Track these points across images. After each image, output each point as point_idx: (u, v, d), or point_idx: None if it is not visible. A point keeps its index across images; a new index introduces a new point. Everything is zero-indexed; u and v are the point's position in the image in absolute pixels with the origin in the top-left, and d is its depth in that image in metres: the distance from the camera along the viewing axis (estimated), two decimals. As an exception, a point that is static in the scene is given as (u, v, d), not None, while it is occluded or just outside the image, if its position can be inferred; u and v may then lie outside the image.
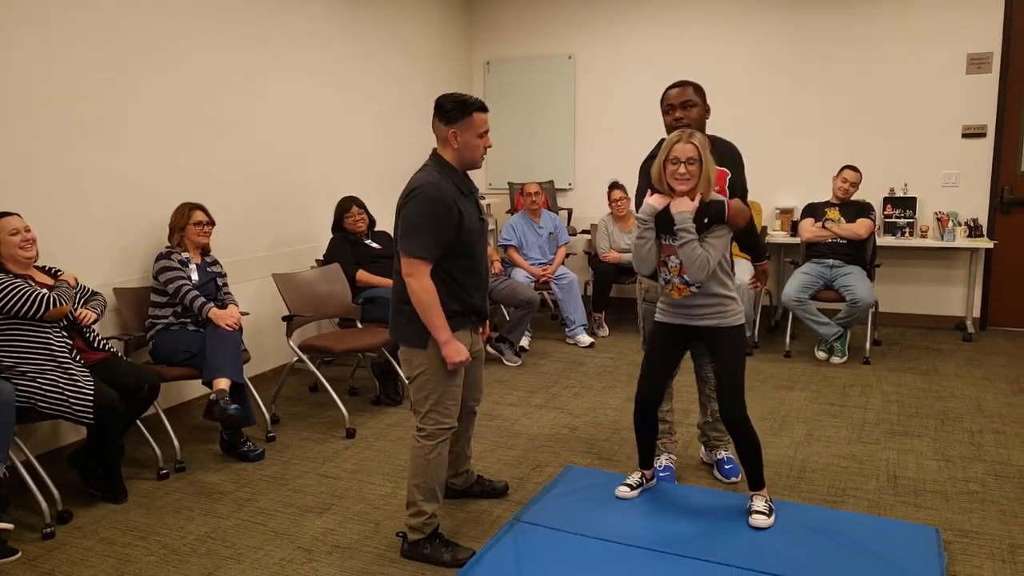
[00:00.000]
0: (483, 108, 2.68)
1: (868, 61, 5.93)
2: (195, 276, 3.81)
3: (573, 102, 6.96)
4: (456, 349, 2.62)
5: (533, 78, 7.08)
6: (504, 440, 3.87)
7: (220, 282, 3.94)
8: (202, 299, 3.73)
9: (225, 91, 4.50)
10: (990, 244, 5.59)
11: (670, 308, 2.90)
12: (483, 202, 7.01)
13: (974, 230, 5.67)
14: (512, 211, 6.62)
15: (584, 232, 6.70)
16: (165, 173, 4.15)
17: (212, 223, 3.94)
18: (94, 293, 3.51)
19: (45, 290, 3.14)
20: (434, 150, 2.71)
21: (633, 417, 3.02)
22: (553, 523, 2.90)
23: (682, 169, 2.68)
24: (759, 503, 2.86)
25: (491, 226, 6.76)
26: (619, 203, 5.95)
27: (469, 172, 2.78)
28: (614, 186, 6.01)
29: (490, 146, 2.72)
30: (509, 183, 6.99)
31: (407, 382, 2.80)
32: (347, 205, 4.79)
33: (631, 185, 6.03)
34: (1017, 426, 3.89)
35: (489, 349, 5.31)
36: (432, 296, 2.57)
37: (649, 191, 2.80)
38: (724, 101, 6.38)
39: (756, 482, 2.88)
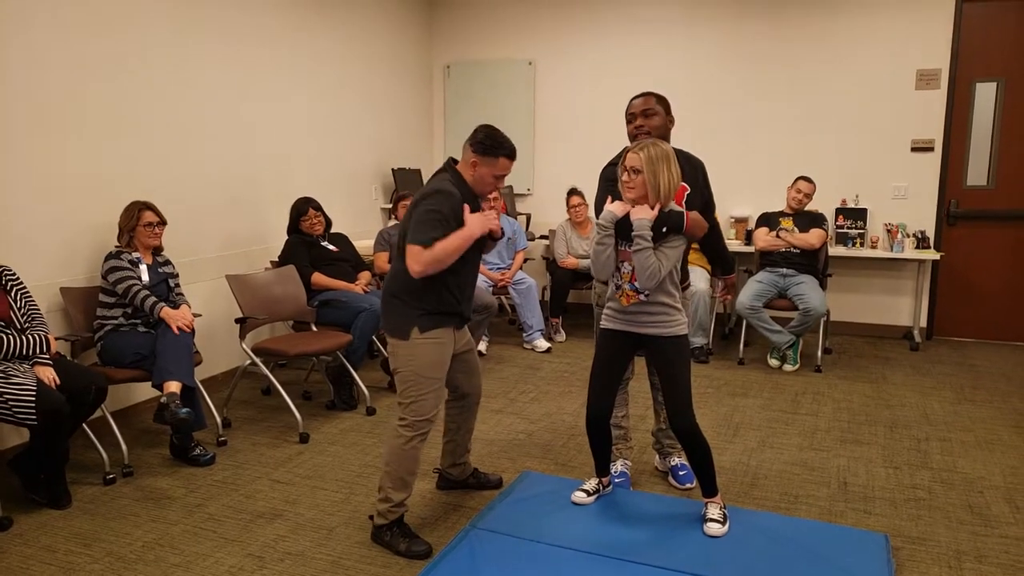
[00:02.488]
0: (512, 155, 2.83)
1: (822, 75, 6.06)
2: (145, 277, 3.71)
3: (532, 108, 6.98)
4: (475, 221, 2.73)
5: (493, 83, 7.08)
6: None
7: (172, 283, 3.85)
8: (153, 299, 3.63)
9: (177, 90, 4.40)
10: (937, 255, 5.75)
11: (617, 315, 2.91)
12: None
13: (922, 242, 5.83)
14: (471, 215, 6.60)
15: (542, 238, 6.72)
16: (115, 171, 4.04)
17: (163, 223, 3.83)
18: (32, 316, 3.30)
19: None
20: (454, 162, 2.86)
21: (586, 425, 3.02)
22: (509, 529, 2.88)
23: (625, 176, 2.73)
24: (713, 511, 2.88)
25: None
26: (577, 209, 5.97)
27: None
28: (572, 192, 6.04)
29: (501, 188, 2.92)
30: (469, 187, 6.97)
31: (393, 373, 2.86)
32: (303, 207, 4.72)
33: (589, 192, 6.06)
34: (962, 434, 4.00)
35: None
36: (439, 249, 2.65)
37: (609, 198, 2.82)
38: (681, 111, 6.45)
39: (709, 490, 2.90)
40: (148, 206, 3.78)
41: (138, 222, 3.73)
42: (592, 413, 2.96)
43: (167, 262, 3.89)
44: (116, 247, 3.73)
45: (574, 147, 6.84)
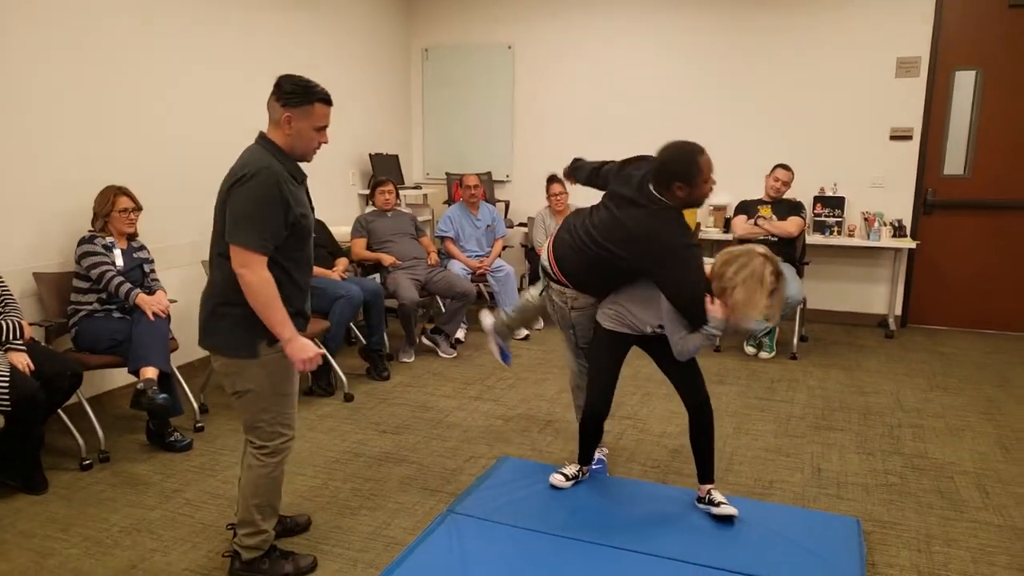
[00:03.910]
0: (327, 100, 2.44)
1: (802, 62, 6.08)
2: (120, 262, 3.67)
3: (511, 93, 6.95)
4: (302, 345, 2.34)
5: (472, 67, 7.05)
6: (438, 432, 3.85)
7: (147, 268, 3.81)
8: (128, 285, 3.60)
9: (146, 74, 4.32)
10: (913, 244, 5.81)
11: (621, 319, 2.94)
12: (418, 192, 7.01)
13: (898, 230, 5.89)
14: (449, 202, 6.59)
15: (521, 225, 6.72)
16: (88, 155, 3.98)
17: (138, 208, 3.79)
18: (5, 301, 3.28)
19: None
20: (261, 132, 2.44)
21: (584, 421, 3.06)
22: (487, 514, 2.90)
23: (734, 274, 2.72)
24: (718, 494, 2.95)
25: (427, 216, 6.73)
26: (558, 197, 5.93)
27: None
28: (552, 180, 6.01)
29: (326, 142, 2.46)
30: (447, 173, 6.96)
31: (233, 397, 2.48)
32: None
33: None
34: (933, 420, 4.06)
35: (425, 340, 5.29)
36: (272, 289, 2.29)
37: (709, 298, 2.71)
38: (659, 98, 6.50)
39: (711, 475, 2.98)
40: (123, 191, 3.74)
41: (113, 207, 3.68)
42: (597, 412, 2.99)
43: (142, 247, 3.85)
44: (90, 231, 3.69)
45: (553, 133, 6.83)
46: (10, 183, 3.62)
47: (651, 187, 2.77)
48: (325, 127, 2.45)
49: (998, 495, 3.21)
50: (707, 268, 2.78)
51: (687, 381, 2.93)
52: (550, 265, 3.05)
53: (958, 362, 5.18)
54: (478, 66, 7.03)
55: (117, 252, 3.69)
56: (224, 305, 2.37)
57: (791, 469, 3.43)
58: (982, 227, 5.93)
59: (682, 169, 2.71)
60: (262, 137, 2.43)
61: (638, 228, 2.76)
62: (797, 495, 3.18)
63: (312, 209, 2.53)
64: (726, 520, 2.86)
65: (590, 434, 3.11)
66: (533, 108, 6.92)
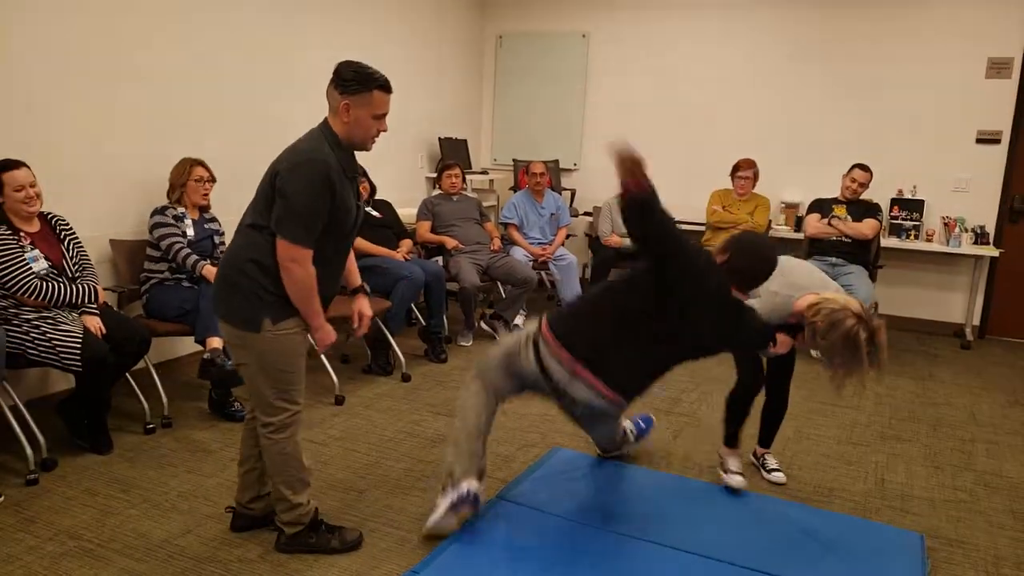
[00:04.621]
0: (387, 87, 2.38)
1: (887, 60, 5.85)
2: (190, 232, 3.76)
3: (584, 82, 6.89)
4: (328, 331, 2.45)
5: (545, 55, 7.00)
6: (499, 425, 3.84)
7: (217, 240, 3.89)
8: (195, 256, 3.68)
9: (228, 51, 4.43)
10: (996, 252, 5.55)
11: None
12: (484, 177, 7.00)
13: (980, 237, 5.63)
14: (515, 188, 6.57)
15: (586, 214, 6.65)
16: (167, 129, 4.09)
17: (213, 180, 3.88)
18: (83, 266, 3.37)
19: (40, 265, 3.14)
20: (325, 119, 2.41)
21: (733, 400, 3.12)
22: (536, 503, 2.89)
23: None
24: (773, 460, 3.26)
25: (492, 202, 6.72)
26: None
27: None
28: None
29: (385, 131, 2.43)
30: (514, 160, 6.94)
31: (239, 371, 2.51)
32: (350, 172, 4.73)
33: (653, 173, 5.94)
34: (1010, 437, 3.87)
35: (483, 325, 5.29)
36: (314, 283, 2.34)
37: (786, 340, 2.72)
38: (737, 94, 6.34)
39: (771, 440, 3.25)
40: (199, 162, 3.84)
41: (189, 177, 3.78)
42: (749, 389, 3.08)
43: (213, 219, 3.94)
44: (166, 204, 3.79)
45: (624, 124, 6.72)
46: (92, 153, 3.75)
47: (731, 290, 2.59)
48: (384, 115, 2.41)
49: (1076, 519, 3.04)
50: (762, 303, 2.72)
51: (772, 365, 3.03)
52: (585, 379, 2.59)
53: (1039, 378, 4.94)
54: (552, 54, 6.98)
55: (188, 222, 3.78)
56: (237, 275, 2.36)
57: (853, 478, 3.32)
58: (1073, 238, 5.63)
59: (761, 275, 2.64)
60: (324, 124, 2.40)
61: (721, 329, 2.61)
62: (858, 505, 3.07)
63: (358, 208, 2.50)
64: (773, 483, 3.15)
65: (737, 413, 3.11)
66: (605, 98, 6.83)
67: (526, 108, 7.15)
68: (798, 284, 2.75)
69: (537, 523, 2.75)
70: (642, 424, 3.44)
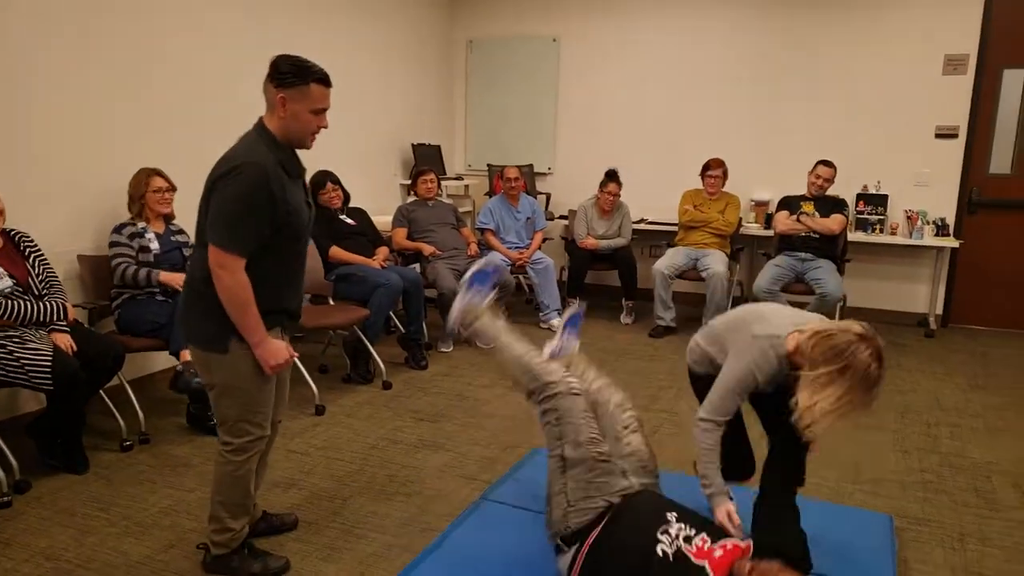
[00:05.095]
0: (325, 81, 2.28)
1: (847, 58, 5.99)
2: (154, 245, 3.71)
3: (556, 86, 6.95)
4: (272, 350, 2.31)
5: (517, 59, 7.05)
6: (475, 421, 3.89)
7: (186, 252, 3.86)
8: (146, 269, 3.62)
9: (190, 59, 4.41)
10: (956, 243, 5.70)
11: None
12: (459, 183, 7.03)
13: (941, 229, 5.78)
14: (490, 193, 6.61)
15: (562, 218, 6.71)
16: (131, 140, 4.06)
17: (173, 189, 3.80)
18: (50, 283, 3.33)
19: (3, 283, 3.11)
20: (259, 119, 2.32)
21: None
22: (519, 502, 2.92)
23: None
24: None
25: (467, 207, 6.76)
26: (612, 198, 5.87)
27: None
28: (612, 177, 5.86)
29: (325, 127, 2.32)
30: (488, 165, 6.98)
31: (207, 391, 2.41)
32: (321, 180, 4.75)
33: (625, 174, 5.97)
34: (972, 420, 3.99)
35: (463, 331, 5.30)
36: (247, 292, 2.21)
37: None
38: (705, 93, 6.45)
39: None
40: (156, 172, 3.76)
41: (147, 188, 3.71)
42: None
43: (180, 231, 3.89)
44: (125, 220, 3.73)
45: (597, 127, 6.81)
46: (56, 167, 3.72)
47: None
48: (323, 110, 2.31)
49: (1037, 496, 3.16)
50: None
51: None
52: None
53: (999, 362, 5.08)
54: (523, 58, 7.02)
55: (150, 236, 3.72)
56: (196, 296, 2.29)
57: (827, 466, 3.39)
58: (1029, 227, 5.79)
59: None
60: (259, 124, 2.31)
61: None
62: (832, 491, 3.15)
63: (309, 205, 2.43)
64: None
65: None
66: (577, 102, 6.90)
67: (499, 113, 7.19)
68: (778, 324, 2.33)
69: (521, 522, 2.79)
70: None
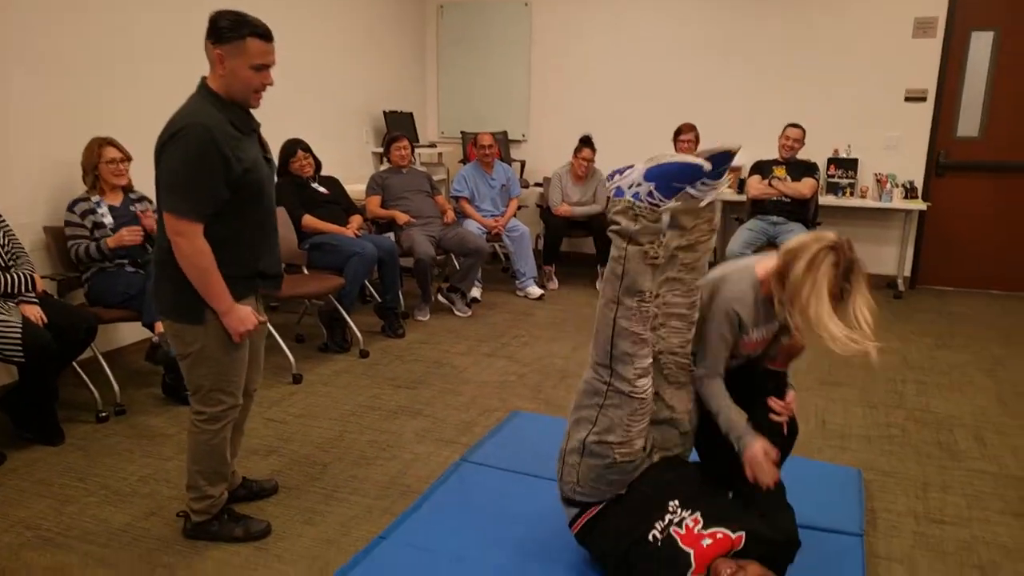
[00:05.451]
0: (264, 35, 2.19)
1: (817, 22, 6.01)
2: (108, 220, 3.61)
3: (528, 51, 6.90)
4: (241, 317, 2.27)
5: (488, 24, 6.99)
6: (452, 387, 3.91)
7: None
8: (95, 241, 3.55)
9: (155, 27, 4.34)
10: (924, 206, 5.79)
11: None
12: (433, 150, 6.98)
13: (910, 192, 5.87)
14: (464, 161, 6.59)
15: (536, 185, 6.71)
16: (101, 111, 4.00)
17: (128, 159, 3.69)
18: (16, 254, 3.30)
19: None
20: (203, 78, 2.24)
21: None
22: (497, 463, 2.97)
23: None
24: None
25: (441, 175, 6.73)
26: (586, 163, 5.88)
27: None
28: (586, 143, 5.86)
29: (270, 84, 2.23)
30: (462, 132, 6.95)
31: (177, 359, 2.38)
32: (292, 149, 4.70)
33: (599, 140, 5.95)
34: (937, 377, 4.10)
35: (440, 299, 5.33)
36: (208, 259, 2.17)
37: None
38: (678, 57, 6.44)
39: None
40: (109, 141, 3.65)
41: (100, 159, 3.61)
42: None
43: (142, 199, 3.78)
44: (79, 195, 3.64)
45: (570, 93, 6.79)
46: (21, 138, 3.65)
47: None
48: (266, 66, 2.21)
49: (994, 446, 3.28)
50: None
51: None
52: None
53: (965, 321, 5.20)
54: (494, 23, 6.96)
55: (104, 210, 3.63)
56: (164, 267, 2.25)
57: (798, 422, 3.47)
58: (993, 189, 5.90)
59: None
60: (201, 84, 2.23)
61: None
62: (802, 445, 3.20)
63: (268, 161, 2.37)
64: None
65: None
66: (550, 67, 6.86)
67: (471, 79, 7.14)
68: (747, 262, 2.32)
69: (500, 482, 2.83)
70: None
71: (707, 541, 2.04)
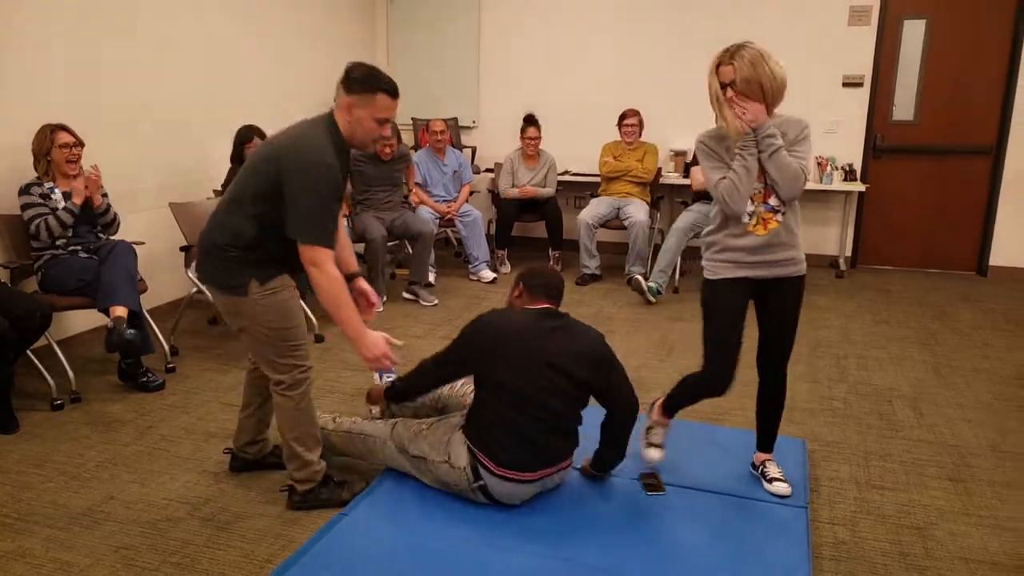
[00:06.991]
0: (392, 92, 2.40)
1: (757, 10, 6.16)
2: (63, 204, 3.59)
3: (478, 38, 6.93)
4: (371, 343, 2.41)
5: (438, 12, 6.99)
6: (411, 367, 3.94)
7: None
8: (60, 209, 3.54)
9: (107, 18, 4.27)
10: (862, 187, 6.01)
11: (743, 258, 2.52)
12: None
13: (849, 174, 6.08)
14: (416, 147, 6.60)
15: (488, 171, 6.76)
16: (49, 97, 3.94)
17: (80, 144, 3.65)
18: None
19: None
20: (330, 112, 2.45)
21: (698, 396, 2.76)
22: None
23: (730, 93, 2.49)
24: (775, 469, 2.73)
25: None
26: (532, 141, 5.96)
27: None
28: (530, 122, 5.98)
29: (387, 136, 2.44)
30: (413, 119, 6.95)
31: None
32: (247, 134, 4.66)
33: (548, 126, 6.00)
34: (877, 351, 4.29)
35: (405, 295, 5.33)
36: (342, 287, 2.34)
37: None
38: (622, 43, 6.54)
39: (771, 444, 2.77)
40: (61, 127, 3.61)
41: (52, 144, 3.56)
42: (724, 386, 2.65)
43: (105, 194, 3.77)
44: (32, 180, 3.60)
45: (519, 78, 6.84)
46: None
47: None
48: (387, 120, 2.43)
49: (931, 415, 3.46)
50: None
51: (781, 350, 2.69)
52: None
53: (902, 299, 5.44)
54: (444, 10, 6.97)
55: (57, 196, 3.60)
56: (218, 250, 2.40)
57: (745, 398, 3.57)
58: (928, 171, 6.15)
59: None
60: (330, 119, 2.42)
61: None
62: (750, 420, 3.33)
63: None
64: (775, 495, 2.64)
65: (686, 396, 2.78)
66: (499, 53, 6.90)
67: (422, 66, 7.14)
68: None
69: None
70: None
71: None
